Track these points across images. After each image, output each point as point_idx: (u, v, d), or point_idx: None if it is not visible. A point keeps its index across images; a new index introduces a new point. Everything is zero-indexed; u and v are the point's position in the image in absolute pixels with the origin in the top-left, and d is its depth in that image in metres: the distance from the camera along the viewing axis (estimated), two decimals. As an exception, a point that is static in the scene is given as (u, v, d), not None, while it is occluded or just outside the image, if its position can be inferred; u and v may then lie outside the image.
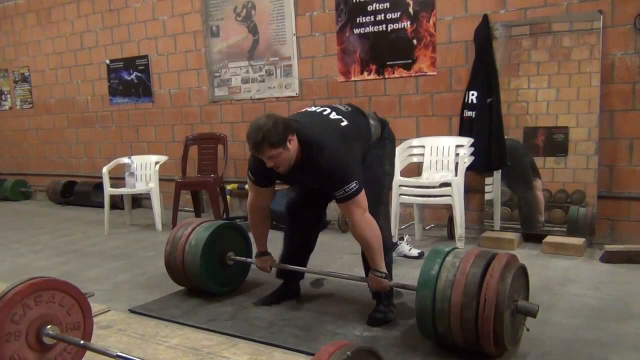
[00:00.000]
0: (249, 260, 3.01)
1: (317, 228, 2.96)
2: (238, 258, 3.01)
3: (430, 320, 2.13)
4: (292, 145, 2.34)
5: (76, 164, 6.88)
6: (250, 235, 2.95)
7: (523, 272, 2.23)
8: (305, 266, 2.92)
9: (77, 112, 6.72)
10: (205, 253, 2.88)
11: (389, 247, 2.70)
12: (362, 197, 2.38)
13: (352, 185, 2.33)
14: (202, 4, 5.39)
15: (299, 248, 2.91)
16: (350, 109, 2.63)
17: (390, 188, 2.83)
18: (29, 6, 6.90)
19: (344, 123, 2.48)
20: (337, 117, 2.51)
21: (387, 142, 2.72)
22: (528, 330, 2.23)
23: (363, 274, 2.68)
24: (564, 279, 3.10)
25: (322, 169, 2.34)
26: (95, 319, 2.22)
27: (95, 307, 2.48)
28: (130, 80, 6.10)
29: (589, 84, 3.75)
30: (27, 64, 7.12)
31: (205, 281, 2.91)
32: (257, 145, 2.30)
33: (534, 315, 2.13)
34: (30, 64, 7.09)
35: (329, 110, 2.55)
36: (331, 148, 2.35)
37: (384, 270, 2.48)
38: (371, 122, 2.63)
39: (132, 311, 2.85)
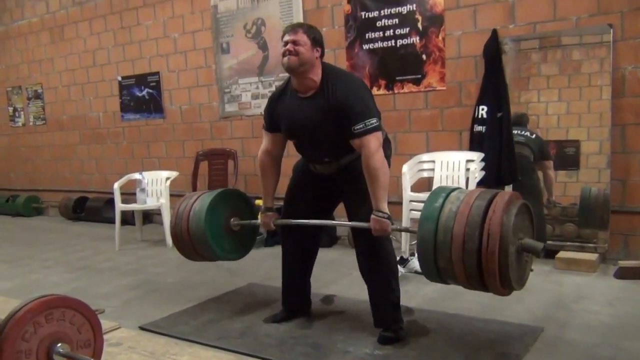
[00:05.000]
0: (253, 221, 2.98)
1: (314, 248, 2.88)
2: (243, 222, 2.97)
3: (431, 253, 2.07)
4: (316, 55, 2.47)
5: (88, 180, 6.93)
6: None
7: (527, 209, 2.15)
8: (309, 280, 2.89)
9: (89, 128, 6.79)
10: (209, 217, 2.83)
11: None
12: (380, 135, 2.41)
13: (373, 121, 2.37)
14: (213, 22, 5.45)
15: (299, 266, 2.85)
16: None
17: None
18: (42, 24, 7.02)
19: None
20: None
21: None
22: (532, 270, 2.17)
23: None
24: (577, 296, 3.06)
25: (345, 100, 2.39)
26: (105, 337, 2.22)
27: (105, 324, 2.48)
28: (142, 96, 6.16)
29: (600, 97, 3.74)
30: (40, 81, 7.23)
31: (211, 246, 2.85)
32: (295, 25, 2.58)
33: (538, 254, 2.06)
34: (44, 81, 7.20)
35: None
36: (355, 85, 2.46)
37: (387, 211, 2.39)
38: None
39: (142, 328, 2.85)
